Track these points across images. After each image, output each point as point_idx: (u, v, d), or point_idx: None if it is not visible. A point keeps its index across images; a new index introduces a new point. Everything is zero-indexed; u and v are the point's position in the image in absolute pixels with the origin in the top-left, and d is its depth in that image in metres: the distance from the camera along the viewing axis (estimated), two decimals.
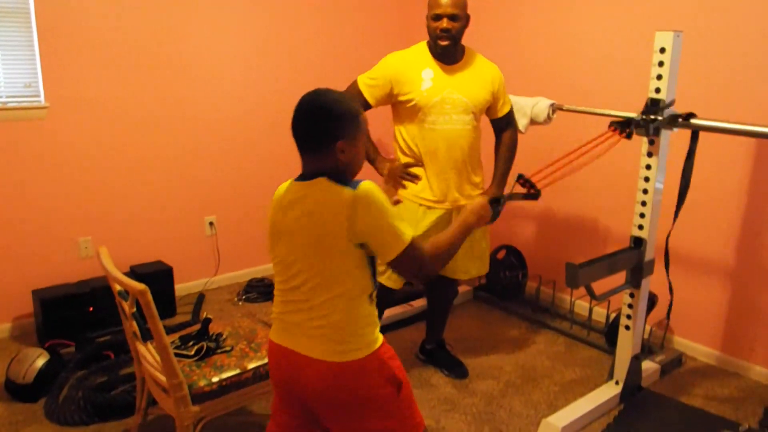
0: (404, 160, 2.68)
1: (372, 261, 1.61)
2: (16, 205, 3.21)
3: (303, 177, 1.62)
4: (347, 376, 1.58)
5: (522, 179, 2.17)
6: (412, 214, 2.62)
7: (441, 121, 2.56)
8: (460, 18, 2.51)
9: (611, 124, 2.47)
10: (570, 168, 2.42)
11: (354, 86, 2.64)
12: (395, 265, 1.59)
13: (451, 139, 2.58)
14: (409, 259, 1.57)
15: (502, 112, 2.73)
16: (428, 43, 2.63)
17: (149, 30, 3.45)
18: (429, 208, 2.63)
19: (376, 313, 1.66)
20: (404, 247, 1.55)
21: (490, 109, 2.71)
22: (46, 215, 3.31)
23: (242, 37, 3.81)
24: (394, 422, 1.65)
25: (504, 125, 2.78)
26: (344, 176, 1.60)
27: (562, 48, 3.54)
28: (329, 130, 1.55)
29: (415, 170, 2.64)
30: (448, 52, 2.56)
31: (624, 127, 2.44)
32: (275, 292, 1.69)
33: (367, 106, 2.62)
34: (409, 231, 1.57)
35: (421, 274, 1.63)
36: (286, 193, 1.65)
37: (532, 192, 2.19)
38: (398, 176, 2.65)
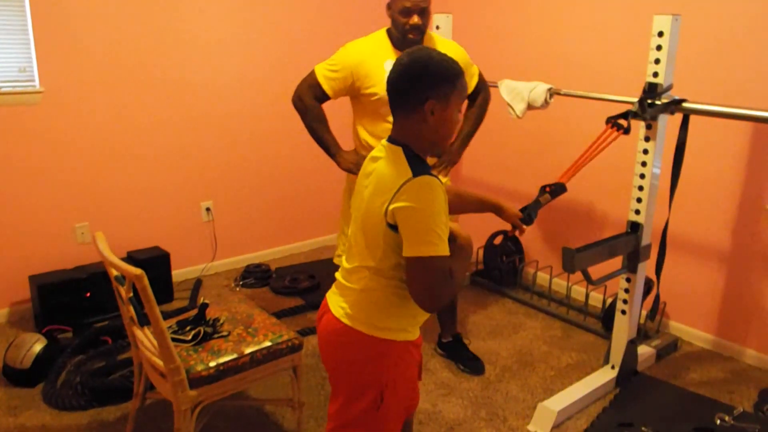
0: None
1: None
2: (12, 191, 3.20)
3: (390, 139, 1.56)
4: (344, 339, 1.58)
5: (546, 187, 2.29)
6: None
7: None
8: (428, 11, 2.44)
9: (608, 120, 2.47)
10: (582, 164, 2.49)
11: (311, 76, 2.53)
12: (409, 266, 1.45)
13: None
14: (422, 271, 1.43)
15: (471, 86, 2.67)
16: (389, 31, 2.54)
17: (145, 15, 3.41)
18: None
19: (410, 307, 1.54)
20: (426, 255, 1.40)
21: None
22: (42, 201, 3.29)
23: (240, 21, 3.77)
24: (355, 420, 1.59)
25: (475, 95, 2.74)
26: (427, 147, 1.52)
27: (559, 32, 3.52)
28: (421, 87, 1.45)
29: None
30: (414, 43, 2.42)
31: (620, 126, 2.46)
32: None
33: (325, 97, 2.54)
34: (444, 249, 1.42)
35: (428, 296, 1.46)
36: (375, 152, 1.60)
37: (554, 189, 2.31)
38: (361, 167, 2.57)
